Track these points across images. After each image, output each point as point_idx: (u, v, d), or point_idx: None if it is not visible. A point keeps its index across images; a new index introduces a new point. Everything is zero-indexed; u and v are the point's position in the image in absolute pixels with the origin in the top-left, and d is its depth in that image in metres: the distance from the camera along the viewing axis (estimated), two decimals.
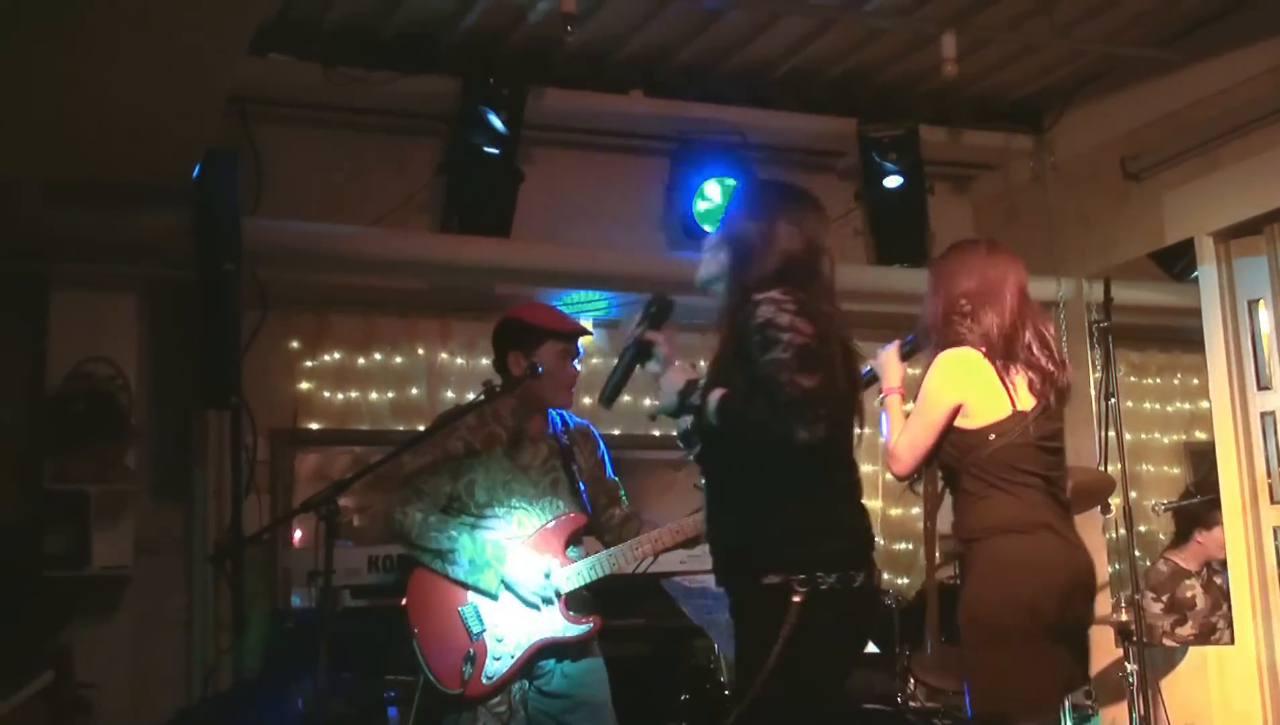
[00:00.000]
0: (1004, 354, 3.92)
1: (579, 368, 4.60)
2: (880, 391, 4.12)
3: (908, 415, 4.06)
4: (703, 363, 3.54)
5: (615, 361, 3.65)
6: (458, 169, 6.58)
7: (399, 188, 6.66)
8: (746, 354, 3.28)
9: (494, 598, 4.30)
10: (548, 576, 4.33)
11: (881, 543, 7.61)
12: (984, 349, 3.93)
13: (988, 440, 3.87)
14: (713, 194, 6.95)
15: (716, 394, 3.28)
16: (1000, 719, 3.81)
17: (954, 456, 3.92)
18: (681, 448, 3.63)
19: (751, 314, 3.29)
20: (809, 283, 3.42)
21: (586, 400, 7.01)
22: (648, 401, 7.31)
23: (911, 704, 5.72)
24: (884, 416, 4.09)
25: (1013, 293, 3.97)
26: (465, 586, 4.32)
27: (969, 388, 3.89)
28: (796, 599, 3.21)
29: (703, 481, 3.55)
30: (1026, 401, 3.90)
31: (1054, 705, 4.12)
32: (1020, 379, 3.92)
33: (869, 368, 4.10)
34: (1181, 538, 6.94)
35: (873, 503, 7.68)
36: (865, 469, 7.71)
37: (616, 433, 6.59)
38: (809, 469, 3.31)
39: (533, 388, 4.44)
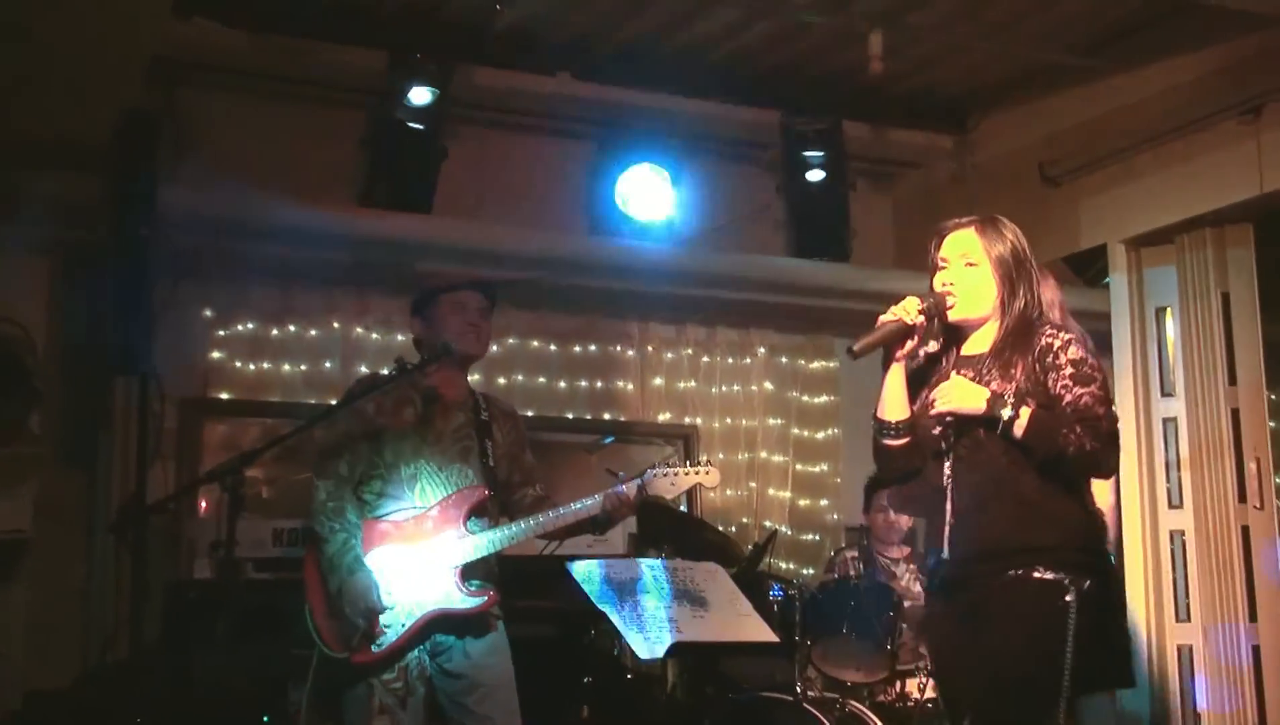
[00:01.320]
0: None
1: (482, 319, 4.52)
2: None
3: None
4: None
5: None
6: (381, 143, 6.54)
7: (322, 159, 6.62)
8: (1042, 381, 3.58)
9: (329, 598, 4.26)
10: (380, 611, 4.25)
11: (789, 533, 7.68)
12: None
13: None
14: (636, 180, 6.97)
15: (1028, 409, 3.50)
16: None
17: None
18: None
19: (1052, 348, 3.59)
20: None
21: (501, 380, 7.05)
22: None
23: (810, 693, 5.80)
24: None
25: None
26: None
27: None
28: (1069, 598, 3.48)
29: (947, 478, 3.71)
30: None
31: None
32: None
33: None
34: None
35: (782, 493, 7.76)
36: (776, 459, 7.84)
37: (530, 414, 6.59)
38: (1084, 485, 3.69)
39: (445, 359, 4.41)
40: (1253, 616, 6.07)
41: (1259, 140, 5.92)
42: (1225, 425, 6.21)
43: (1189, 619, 6.21)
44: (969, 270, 3.68)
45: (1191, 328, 6.32)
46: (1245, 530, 6.15)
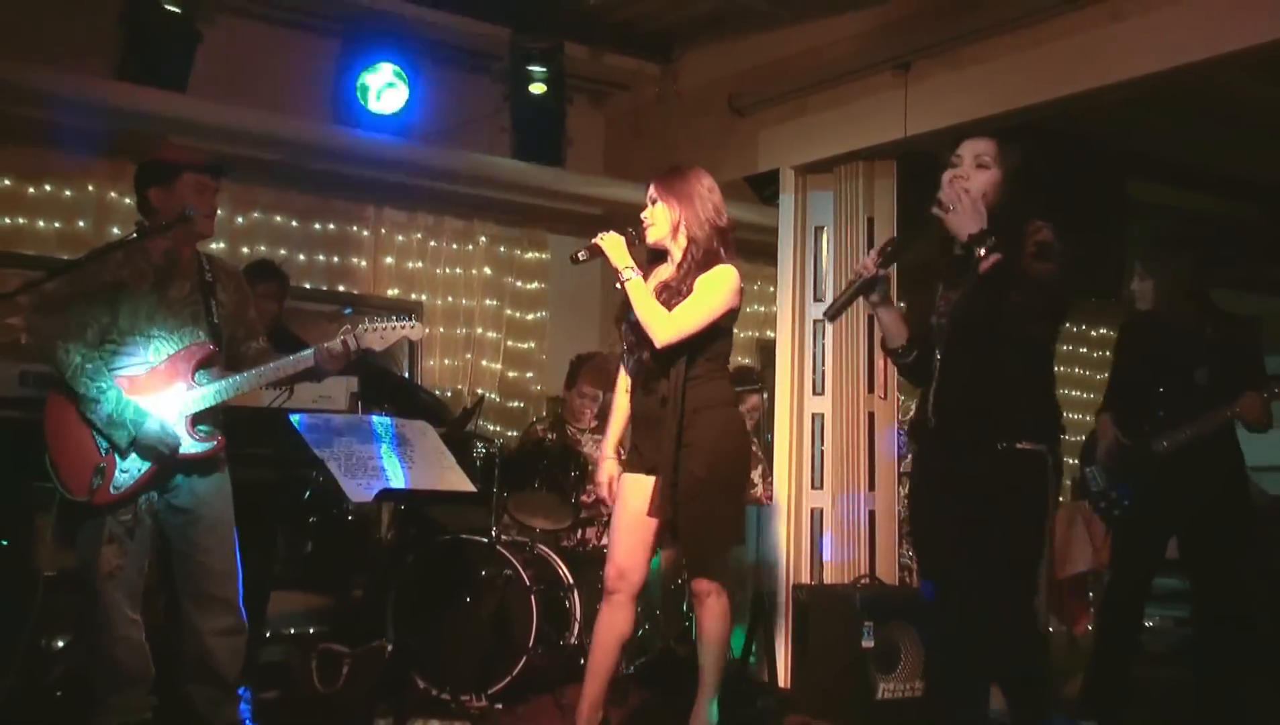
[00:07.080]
0: None
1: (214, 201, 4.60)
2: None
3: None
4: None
5: (845, 286, 4.18)
6: (138, 21, 6.43)
7: (82, 32, 6.44)
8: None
9: (121, 451, 4.35)
10: (174, 447, 4.38)
11: (498, 399, 7.97)
12: None
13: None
14: (378, 77, 7.02)
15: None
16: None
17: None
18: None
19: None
20: None
21: (245, 250, 7.06)
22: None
23: (504, 537, 6.11)
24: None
25: None
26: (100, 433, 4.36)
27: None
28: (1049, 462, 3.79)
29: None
30: None
31: None
32: None
33: None
34: None
35: (494, 365, 8.02)
36: (490, 335, 8.07)
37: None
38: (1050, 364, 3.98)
39: (181, 226, 4.45)
40: (871, 486, 6.54)
41: (907, 91, 6.16)
42: (862, 329, 6.60)
43: (822, 487, 6.60)
44: None
45: (842, 245, 6.63)
46: (871, 416, 6.58)
